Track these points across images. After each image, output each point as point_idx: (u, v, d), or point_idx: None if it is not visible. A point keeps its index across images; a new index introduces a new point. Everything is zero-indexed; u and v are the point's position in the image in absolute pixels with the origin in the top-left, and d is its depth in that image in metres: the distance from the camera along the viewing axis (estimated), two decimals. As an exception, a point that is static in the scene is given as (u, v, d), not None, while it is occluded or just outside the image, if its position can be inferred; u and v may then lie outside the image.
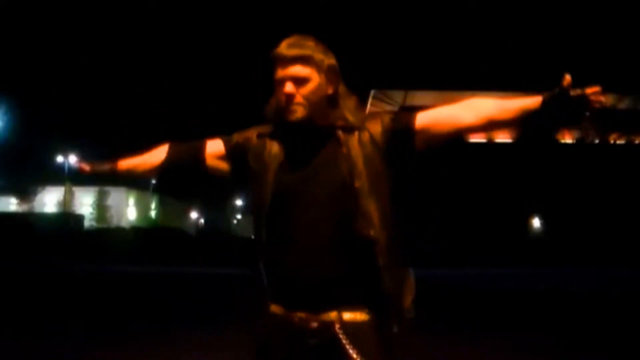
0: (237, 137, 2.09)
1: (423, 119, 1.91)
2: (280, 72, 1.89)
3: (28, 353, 6.63)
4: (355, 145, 1.89)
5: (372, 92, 40.72)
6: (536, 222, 38.52)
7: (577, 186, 34.48)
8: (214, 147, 2.11)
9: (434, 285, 17.51)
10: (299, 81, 1.88)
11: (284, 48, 1.89)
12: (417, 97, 39.22)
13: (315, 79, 1.89)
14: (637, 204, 34.60)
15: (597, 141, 36.18)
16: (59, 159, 46.89)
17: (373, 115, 1.98)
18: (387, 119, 1.94)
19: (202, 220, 69.55)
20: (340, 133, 1.91)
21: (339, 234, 1.84)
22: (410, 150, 1.92)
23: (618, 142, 36.51)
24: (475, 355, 6.93)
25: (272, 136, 1.99)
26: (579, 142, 36.18)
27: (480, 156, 37.16)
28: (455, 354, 6.99)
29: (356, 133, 1.91)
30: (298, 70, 1.87)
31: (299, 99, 1.88)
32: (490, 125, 1.91)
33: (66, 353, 6.70)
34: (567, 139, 36.62)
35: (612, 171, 34.38)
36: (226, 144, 2.10)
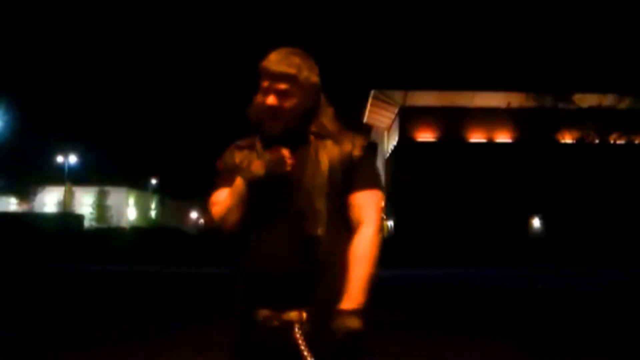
0: (225, 172, 2.11)
1: (354, 199, 1.98)
2: (266, 84, 1.98)
3: (26, 352, 6.64)
4: (323, 150, 1.99)
5: (372, 92, 40.72)
6: (536, 222, 38.49)
7: (577, 186, 34.43)
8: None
9: (434, 285, 17.53)
10: (283, 95, 1.97)
11: (272, 63, 1.98)
12: (417, 97, 39.22)
13: (297, 95, 1.97)
14: (637, 204, 34.59)
15: (597, 141, 36.10)
16: (59, 159, 46.94)
17: (349, 137, 2.05)
18: (356, 152, 2.01)
19: (202, 220, 69.49)
20: (312, 138, 2.01)
21: (297, 234, 1.92)
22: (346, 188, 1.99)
23: (618, 142, 36.42)
24: (475, 355, 6.93)
25: (252, 146, 2.07)
26: (579, 142, 36.09)
27: (480, 156, 37.14)
28: (455, 353, 6.99)
29: (328, 140, 2.01)
30: (282, 86, 1.96)
31: (280, 111, 1.96)
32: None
33: (64, 352, 6.71)
34: (567, 139, 36.58)
35: (612, 171, 34.33)
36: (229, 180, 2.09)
